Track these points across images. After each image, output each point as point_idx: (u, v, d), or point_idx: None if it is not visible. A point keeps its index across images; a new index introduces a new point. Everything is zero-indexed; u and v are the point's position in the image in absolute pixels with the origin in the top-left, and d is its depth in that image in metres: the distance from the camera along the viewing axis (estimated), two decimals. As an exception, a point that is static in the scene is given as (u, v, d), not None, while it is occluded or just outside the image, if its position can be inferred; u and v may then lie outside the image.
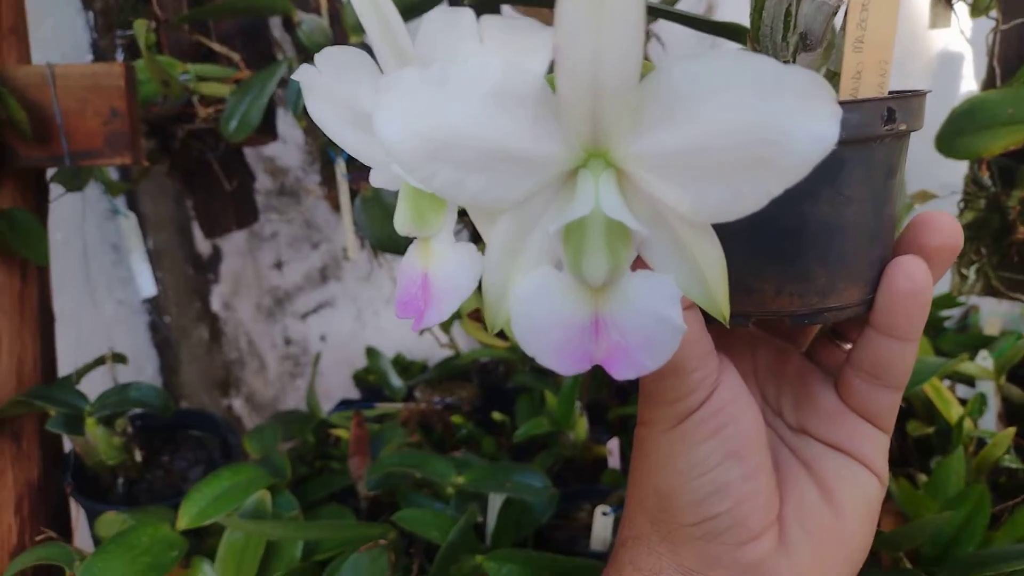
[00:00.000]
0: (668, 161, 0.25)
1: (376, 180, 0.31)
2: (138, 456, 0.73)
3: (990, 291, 0.66)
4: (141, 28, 0.74)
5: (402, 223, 0.29)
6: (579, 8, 0.22)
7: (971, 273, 0.66)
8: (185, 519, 0.59)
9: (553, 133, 0.25)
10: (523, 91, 0.24)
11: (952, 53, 1.16)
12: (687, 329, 0.26)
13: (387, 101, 0.24)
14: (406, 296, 0.30)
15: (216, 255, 1.21)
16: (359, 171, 0.82)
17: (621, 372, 0.26)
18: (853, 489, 0.34)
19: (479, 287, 0.29)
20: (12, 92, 0.64)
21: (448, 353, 1.07)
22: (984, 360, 0.73)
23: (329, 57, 0.30)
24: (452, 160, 0.25)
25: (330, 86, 0.30)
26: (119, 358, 0.79)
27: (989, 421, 0.71)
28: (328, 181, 0.95)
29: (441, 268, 0.29)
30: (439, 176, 0.25)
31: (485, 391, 1.00)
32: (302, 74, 0.30)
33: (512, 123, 0.24)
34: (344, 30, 0.84)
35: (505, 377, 1.03)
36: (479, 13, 0.26)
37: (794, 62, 0.31)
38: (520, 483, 0.63)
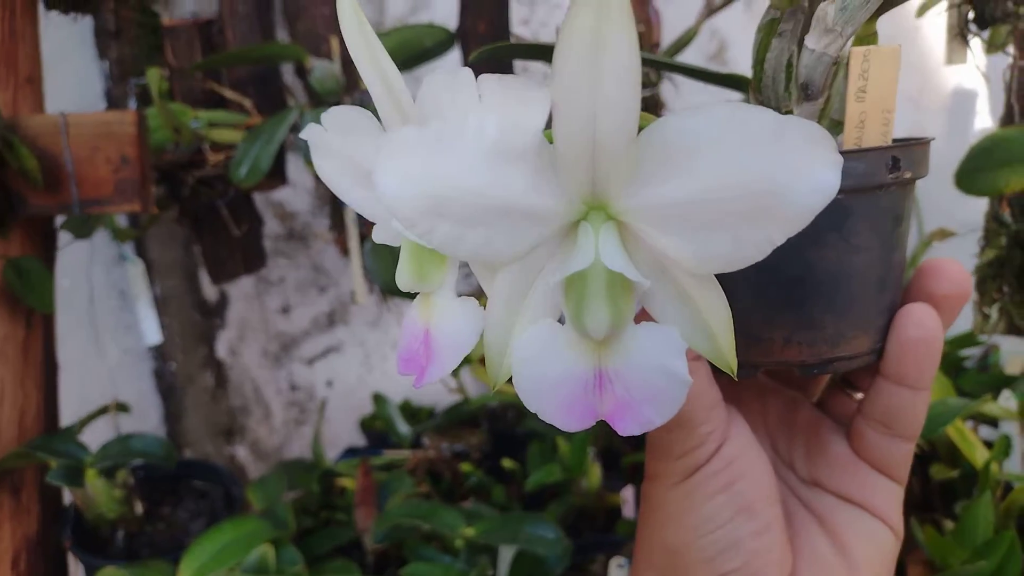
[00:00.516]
0: (668, 213, 0.24)
1: (379, 236, 0.31)
2: (139, 508, 0.72)
3: (1013, 330, 0.65)
4: (154, 76, 0.75)
5: (404, 279, 0.29)
6: (575, 65, 0.22)
7: (993, 312, 0.65)
8: (186, 574, 0.58)
9: (552, 187, 0.25)
10: (521, 147, 0.24)
11: (967, 89, 1.16)
12: (693, 381, 0.25)
13: (386, 158, 0.24)
14: (408, 352, 0.30)
15: (223, 300, 1.21)
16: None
17: (627, 427, 0.25)
18: (867, 543, 0.33)
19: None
20: (24, 141, 0.64)
21: (457, 398, 1.06)
22: (1007, 400, 0.71)
23: (335, 116, 0.30)
24: (451, 215, 0.24)
25: (335, 144, 0.30)
26: (122, 408, 0.78)
27: (1014, 463, 0.69)
28: (337, 225, 0.96)
29: (443, 323, 0.29)
30: (438, 231, 0.25)
31: (495, 437, 0.99)
32: (309, 133, 0.31)
33: (511, 178, 0.24)
34: (355, 75, 0.85)
35: (515, 423, 1.02)
36: (487, 69, 0.26)
37: (796, 112, 0.31)
38: (532, 535, 0.62)
